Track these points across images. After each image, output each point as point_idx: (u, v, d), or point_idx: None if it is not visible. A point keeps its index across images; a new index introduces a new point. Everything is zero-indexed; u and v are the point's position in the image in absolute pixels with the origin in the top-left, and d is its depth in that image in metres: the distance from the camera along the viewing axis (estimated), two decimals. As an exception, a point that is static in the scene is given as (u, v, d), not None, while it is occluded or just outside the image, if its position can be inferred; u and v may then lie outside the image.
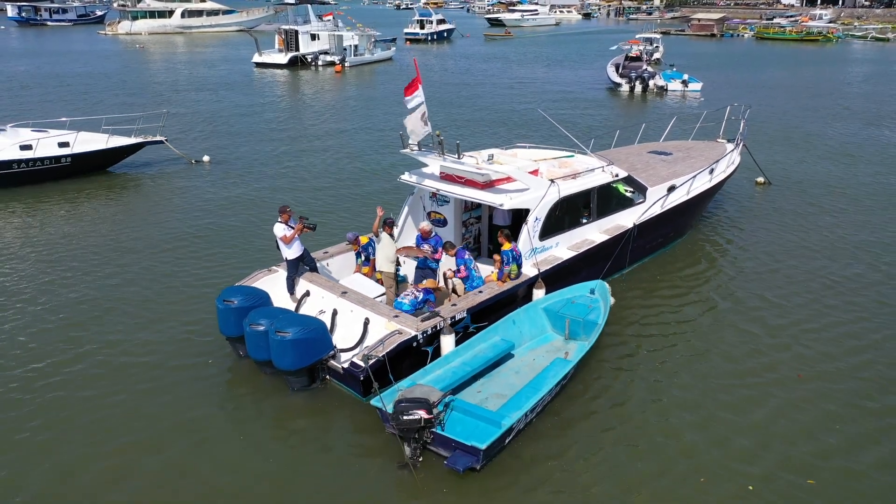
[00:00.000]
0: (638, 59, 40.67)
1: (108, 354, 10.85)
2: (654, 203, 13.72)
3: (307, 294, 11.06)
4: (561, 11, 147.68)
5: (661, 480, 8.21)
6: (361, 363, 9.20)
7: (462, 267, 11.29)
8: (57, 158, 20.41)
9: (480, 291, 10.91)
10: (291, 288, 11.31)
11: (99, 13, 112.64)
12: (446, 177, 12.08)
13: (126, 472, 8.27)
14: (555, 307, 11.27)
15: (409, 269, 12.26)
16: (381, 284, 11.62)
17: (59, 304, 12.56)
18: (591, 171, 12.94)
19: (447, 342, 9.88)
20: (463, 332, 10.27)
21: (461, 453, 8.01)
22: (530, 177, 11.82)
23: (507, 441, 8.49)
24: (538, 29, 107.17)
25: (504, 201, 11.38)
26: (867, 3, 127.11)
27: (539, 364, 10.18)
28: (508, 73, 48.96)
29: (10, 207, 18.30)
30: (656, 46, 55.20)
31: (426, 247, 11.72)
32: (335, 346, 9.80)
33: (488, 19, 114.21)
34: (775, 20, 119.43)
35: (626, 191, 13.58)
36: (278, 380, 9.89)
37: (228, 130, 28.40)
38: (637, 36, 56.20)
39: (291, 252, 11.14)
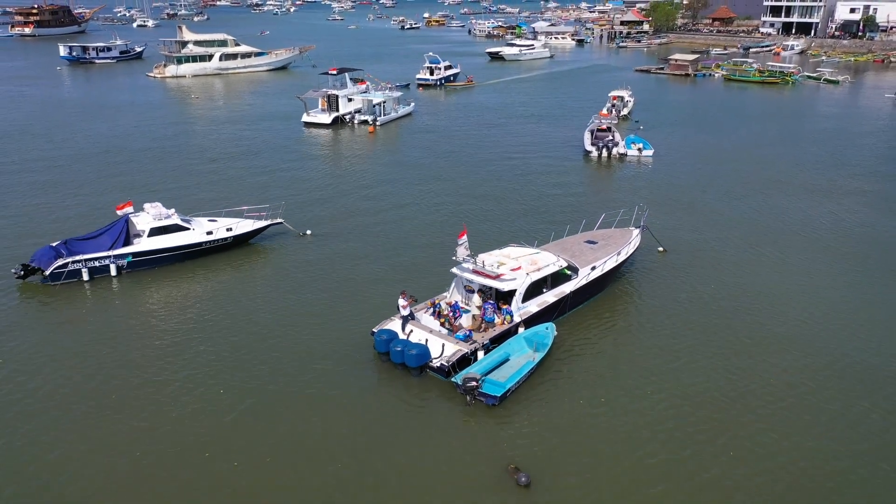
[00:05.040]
0: (607, 129, 53.05)
1: (297, 374, 23.18)
2: (583, 277, 26.10)
3: (412, 331, 23.48)
4: (556, 38, 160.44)
5: (592, 409, 20.64)
6: (445, 363, 21.63)
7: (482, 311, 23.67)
8: (225, 238, 32.89)
9: (493, 329, 23.37)
10: (403, 328, 23.72)
11: (138, 49, 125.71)
12: (475, 271, 24.52)
13: (325, 417, 20.72)
14: (529, 336, 23.67)
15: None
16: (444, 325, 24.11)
17: (253, 342, 24.98)
18: (548, 264, 25.36)
19: (480, 354, 22.37)
20: (486, 349, 22.70)
21: (489, 398, 20.42)
22: (515, 273, 24.30)
23: (507, 395, 20.88)
24: (535, 63, 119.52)
25: (504, 286, 23.86)
26: (837, 34, 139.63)
27: (520, 363, 22.55)
28: (492, 139, 58.02)
29: (198, 271, 30.62)
30: (626, 101, 67.74)
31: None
32: (431, 356, 22.24)
33: (489, 53, 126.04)
34: (751, 50, 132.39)
35: (567, 271, 25.96)
36: (405, 372, 22.27)
37: (313, 204, 40.58)
38: (611, 93, 68.71)
39: (404, 311, 23.60)
